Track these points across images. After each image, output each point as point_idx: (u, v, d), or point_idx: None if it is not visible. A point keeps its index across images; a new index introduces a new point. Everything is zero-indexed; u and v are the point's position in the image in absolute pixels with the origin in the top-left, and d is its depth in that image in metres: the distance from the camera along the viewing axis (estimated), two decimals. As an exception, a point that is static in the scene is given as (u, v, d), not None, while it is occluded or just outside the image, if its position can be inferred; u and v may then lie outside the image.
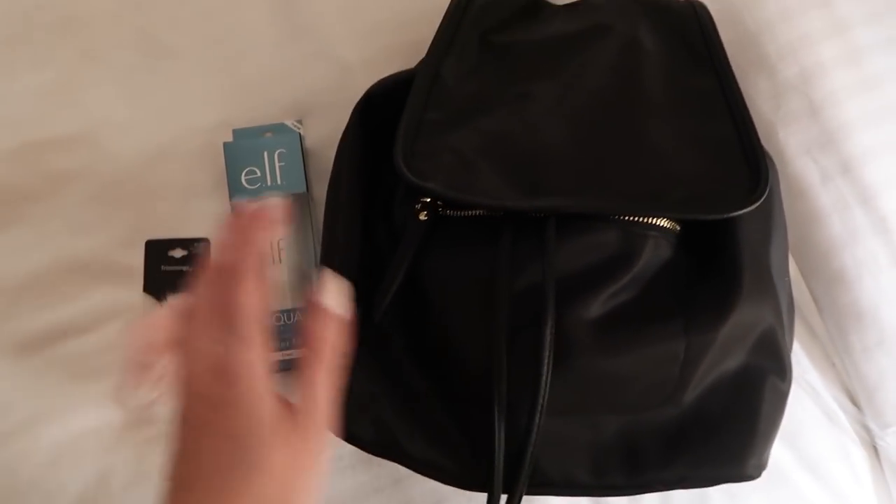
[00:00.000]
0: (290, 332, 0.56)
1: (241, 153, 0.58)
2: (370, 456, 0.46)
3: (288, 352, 0.55)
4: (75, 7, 0.64)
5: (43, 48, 0.64)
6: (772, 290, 0.44)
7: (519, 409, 0.41)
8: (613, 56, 0.51)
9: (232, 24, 0.65)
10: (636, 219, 0.43)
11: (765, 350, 0.44)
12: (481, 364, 0.42)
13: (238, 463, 0.31)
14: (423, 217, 0.43)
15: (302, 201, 0.59)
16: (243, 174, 0.58)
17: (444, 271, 0.44)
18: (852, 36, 0.57)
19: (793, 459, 0.55)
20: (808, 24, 0.58)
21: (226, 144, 0.58)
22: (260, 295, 0.32)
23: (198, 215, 0.60)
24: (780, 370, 0.45)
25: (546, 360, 0.40)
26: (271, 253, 0.57)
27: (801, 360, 0.57)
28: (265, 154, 0.58)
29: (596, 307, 0.42)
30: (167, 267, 0.58)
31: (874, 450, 0.57)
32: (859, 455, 0.56)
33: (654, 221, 0.43)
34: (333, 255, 0.47)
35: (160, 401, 0.52)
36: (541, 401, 0.40)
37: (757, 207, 0.42)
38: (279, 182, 0.58)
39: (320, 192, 0.56)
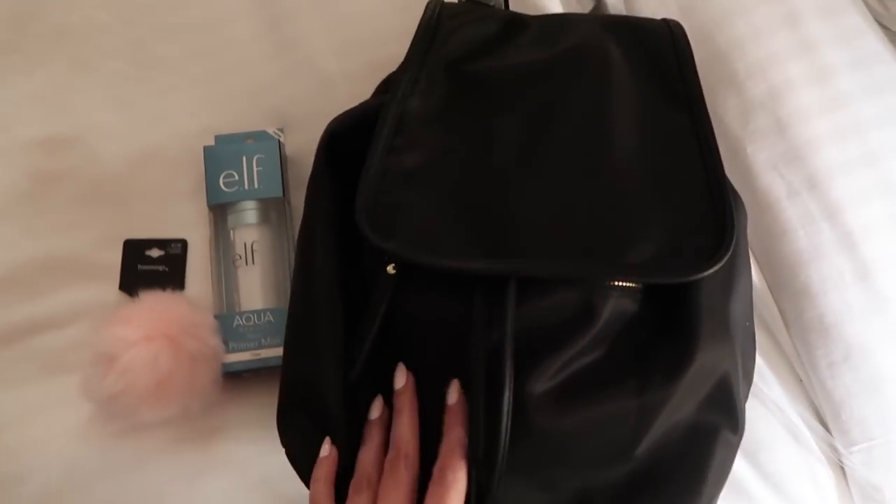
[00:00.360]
0: (260, 332, 0.57)
1: (221, 157, 0.60)
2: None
3: (257, 351, 0.56)
4: (69, 18, 0.67)
5: (35, 56, 0.66)
6: (729, 340, 0.44)
7: (480, 467, 0.41)
8: (583, 91, 0.50)
9: (220, 37, 0.68)
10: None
11: (718, 401, 0.44)
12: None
13: None
14: (391, 271, 0.44)
15: (279, 206, 0.61)
16: (221, 177, 0.59)
17: (418, 330, 0.44)
18: (820, 55, 0.59)
19: (755, 477, 0.54)
20: (776, 43, 0.59)
21: (206, 148, 0.60)
22: None
23: (177, 217, 0.61)
24: (733, 423, 0.44)
25: (504, 426, 0.40)
26: (244, 255, 0.59)
27: (767, 376, 0.57)
28: (244, 159, 0.60)
29: (556, 368, 0.42)
30: (144, 266, 0.60)
31: (841, 470, 0.56)
32: (825, 474, 0.56)
33: (615, 283, 0.43)
34: (317, 316, 0.46)
35: (125, 394, 0.54)
36: (500, 463, 0.40)
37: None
38: (256, 186, 0.60)
39: (298, 199, 0.57)
